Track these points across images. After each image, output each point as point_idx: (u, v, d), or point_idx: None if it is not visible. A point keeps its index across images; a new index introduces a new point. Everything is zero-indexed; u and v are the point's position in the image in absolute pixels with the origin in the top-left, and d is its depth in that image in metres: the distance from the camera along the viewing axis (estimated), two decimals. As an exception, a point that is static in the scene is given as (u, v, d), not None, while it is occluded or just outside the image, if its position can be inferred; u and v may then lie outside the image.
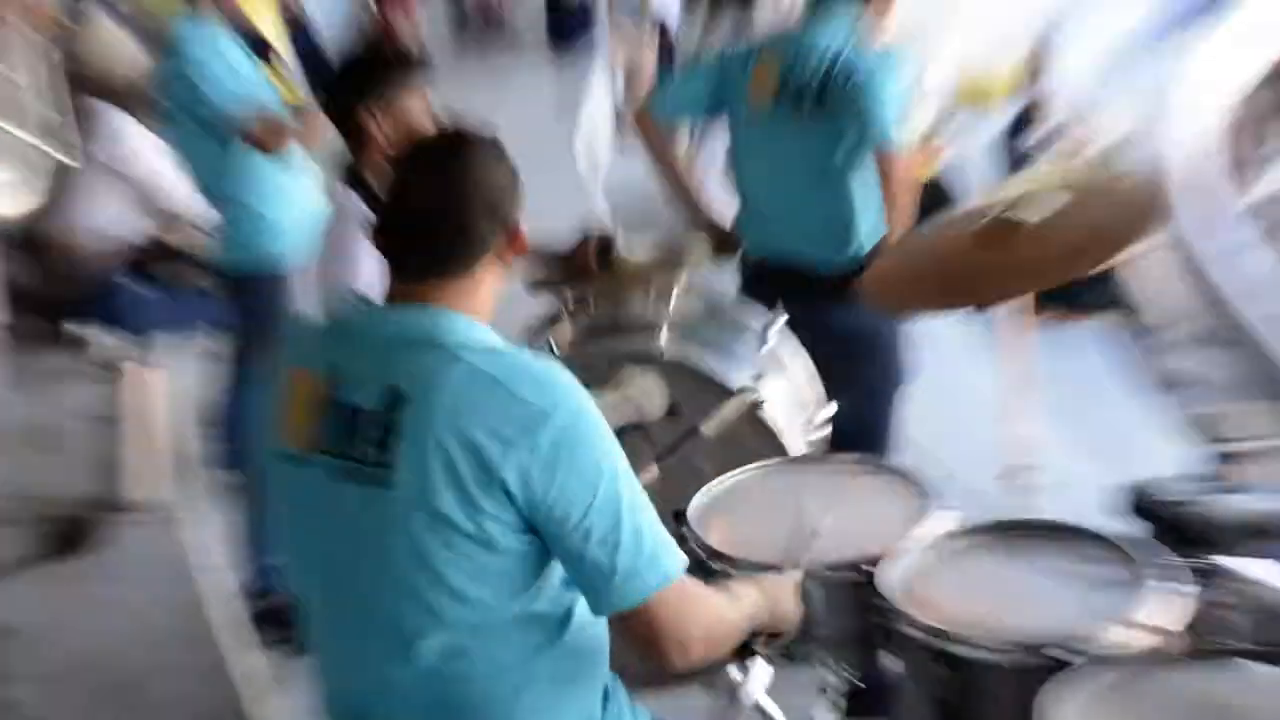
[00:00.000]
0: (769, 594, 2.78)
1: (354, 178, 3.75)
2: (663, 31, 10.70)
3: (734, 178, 4.82)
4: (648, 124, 4.80)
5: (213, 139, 4.87)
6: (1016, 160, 10.89)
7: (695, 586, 2.54)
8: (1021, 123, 11.60)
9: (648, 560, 2.45)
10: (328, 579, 2.53)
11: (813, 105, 4.50)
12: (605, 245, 4.39)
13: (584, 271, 4.22)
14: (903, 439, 4.72)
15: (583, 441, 2.43)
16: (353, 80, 3.77)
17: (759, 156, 4.64)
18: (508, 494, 2.40)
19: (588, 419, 2.46)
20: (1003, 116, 12.31)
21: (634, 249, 4.57)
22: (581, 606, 2.54)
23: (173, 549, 5.01)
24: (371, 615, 2.48)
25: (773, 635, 2.80)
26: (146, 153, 6.08)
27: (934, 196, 10.62)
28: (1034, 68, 12.72)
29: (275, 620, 5.02)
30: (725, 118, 4.73)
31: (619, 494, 2.44)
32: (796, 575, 2.91)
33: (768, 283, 4.61)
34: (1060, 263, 3.48)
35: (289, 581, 2.66)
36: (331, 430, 2.49)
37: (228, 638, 4.57)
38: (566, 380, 2.47)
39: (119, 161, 6.09)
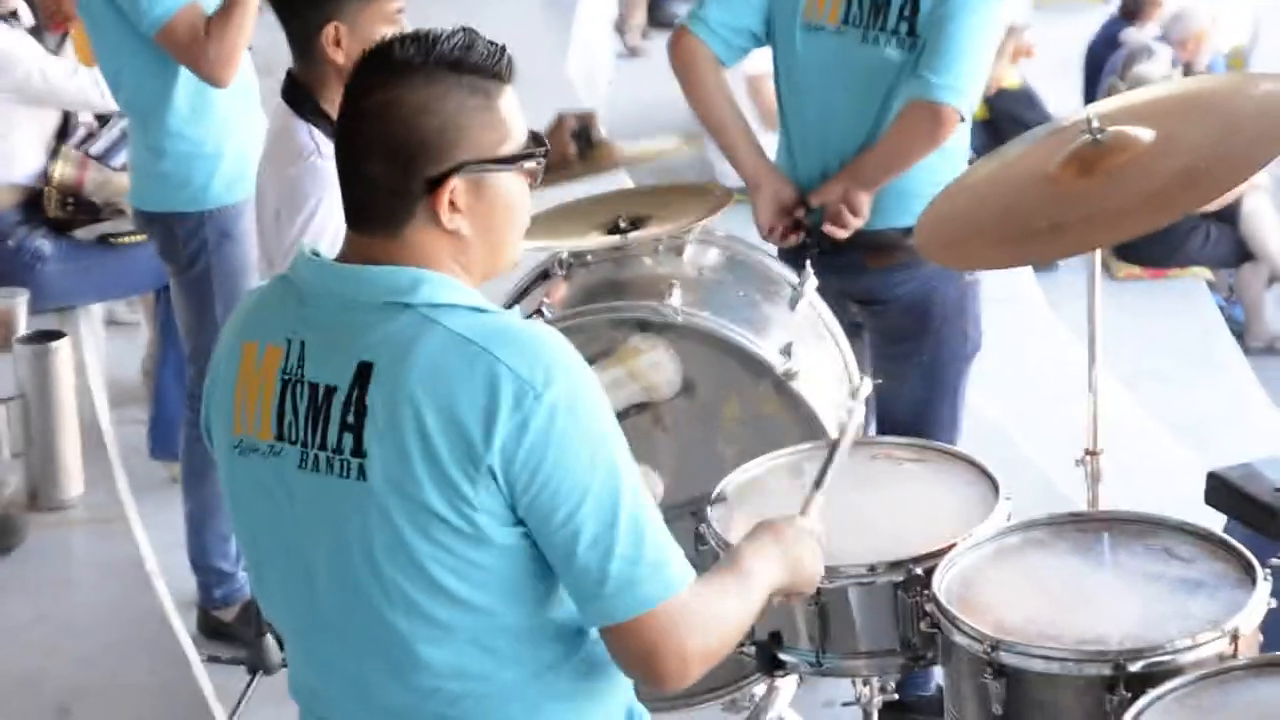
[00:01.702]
0: (788, 554, 2.82)
1: (314, 109, 3.90)
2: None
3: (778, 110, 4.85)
4: (688, 49, 4.73)
5: (133, 39, 4.95)
6: (1114, 67, 11.05)
7: (698, 597, 2.56)
8: (1123, 18, 11.74)
9: (648, 569, 2.49)
10: (305, 589, 2.60)
11: (896, 22, 4.55)
12: (585, 127, 4.50)
13: (560, 159, 4.25)
14: (966, 422, 4.85)
15: (578, 424, 2.47)
16: None
17: (809, 84, 4.70)
18: (495, 481, 2.46)
19: (586, 397, 2.49)
20: (1102, 11, 12.48)
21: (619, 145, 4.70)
22: None
23: (109, 554, 5.14)
24: (359, 628, 2.57)
25: (790, 595, 2.88)
26: (43, 75, 6.19)
27: (1008, 116, 10.81)
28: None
29: (228, 634, 5.24)
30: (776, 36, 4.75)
31: (618, 490, 2.49)
32: (814, 515, 3.00)
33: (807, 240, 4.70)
34: (1165, 199, 3.48)
35: (258, 593, 2.74)
36: (296, 414, 2.56)
37: (176, 654, 4.72)
38: (564, 349, 2.52)
39: (12, 91, 6.20)
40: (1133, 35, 11.44)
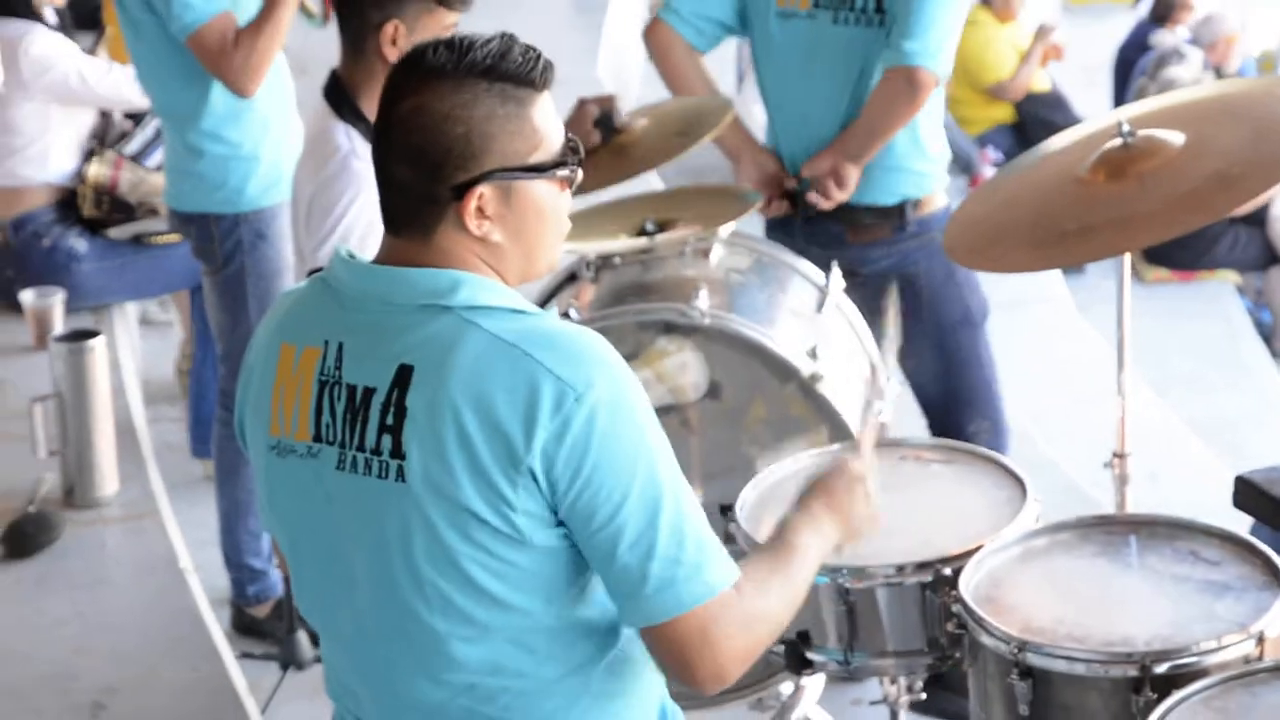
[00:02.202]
0: (841, 515, 2.78)
1: (352, 110, 3.90)
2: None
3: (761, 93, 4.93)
4: (661, 37, 4.87)
5: (169, 41, 4.95)
6: (1144, 69, 11.03)
7: (741, 595, 2.56)
8: (1154, 21, 11.72)
9: (689, 569, 2.49)
10: (343, 589, 2.62)
11: (864, 1, 4.67)
12: (605, 111, 4.52)
13: (583, 143, 4.27)
14: (998, 398, 4.86)
15: (619, 426, 2.47)
16: None
17: (788, 69, 4.79)
18: (535, 482, 2.47)
19: (627, 398, 2.50)
20: (1131, 15, 12.46)
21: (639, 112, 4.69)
22: None
23: (143, 551, 5.16)
24: (396, 628, 2.58)
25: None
26: (80, 76, 6.23)
27: (1037, 119, 10.80)
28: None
29: (261, 630, 5.27)
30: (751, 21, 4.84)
31: (659, 489, 2.49)
32: (868, 459, 2.94)
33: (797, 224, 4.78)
34: (1195, 202, 3.48)
35: (295, 592, 2.75)
36: (334, 416, 2.57)
37: (209, 650, 4.73)
38: (603, 349, 2.53)
39: (50, 92, 6.25)
40: (1163, 38, 11.43)
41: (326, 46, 5.52)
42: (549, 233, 2.63)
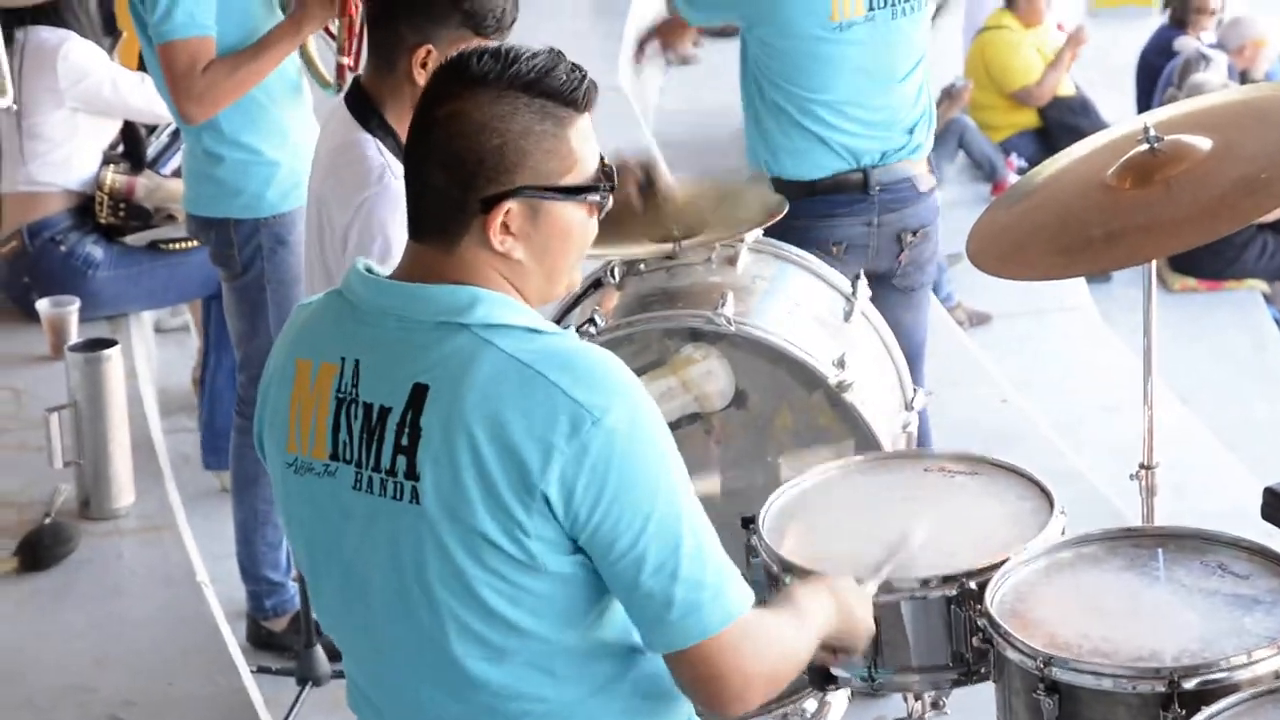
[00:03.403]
0: (842, 605, 2.85)
1: (380, 123, 3.86)
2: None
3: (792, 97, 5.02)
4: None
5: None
6: (1170, 76, 11.00)
7: (760, 621, 2.59)
8: (1174, 25, 11.71)
9: (713, 593, 2.49)
10: (361, 607, 2.62)
11: None
12: (647, 175, 4.50)
13: (622, 206, 4.17)
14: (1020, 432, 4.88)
15: (637, 450, 2.47)
16: (413, 6, 3.82)
17: (854, 78, 4.95)
18: (550, 508, 2.47)
19: (644, 421, 2.49)
20: (1156, 18, 12.44)
21: (682, 182, 4.71)
22: None
23: (160, 563, 5.17)
24: (414, 648, 2.58)
25: (839, 651, 2.91)
26: (114, 86, 6.25)
27: (1062, 124, 10.78)
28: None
29: (278, 644, 5.27)
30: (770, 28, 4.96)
31: (679, 514, 2.50)
32: (872, 588, 3.06)
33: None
34: (1222, 209, 3.47)
35: (315, 606, 2.76)
36: (351, 434, 2.57)
37: (226, 664, 4.74)
38: (621, 372, 2.53)
39: (82, 100, 6.27)
40: (1186, 43, 11.41)
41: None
42: (572, 256, 2.63)
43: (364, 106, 3.89)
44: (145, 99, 6.17)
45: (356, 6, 4.86)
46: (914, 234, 5.08)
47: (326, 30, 4.96)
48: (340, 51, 4.96)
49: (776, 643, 2.61)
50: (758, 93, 5.02)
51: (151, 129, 6.44)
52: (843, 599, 2.86)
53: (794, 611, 2.74)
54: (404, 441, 2.53)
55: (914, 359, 4.74)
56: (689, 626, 2.51)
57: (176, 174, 6.11)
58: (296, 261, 5.11)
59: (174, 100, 4.90)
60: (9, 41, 6.22)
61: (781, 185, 4.87)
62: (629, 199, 4.30)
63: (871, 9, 4.91)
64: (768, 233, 4.43)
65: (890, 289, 4.96)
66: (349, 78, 4.95)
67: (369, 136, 3.83)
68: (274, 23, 4.93)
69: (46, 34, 6.27)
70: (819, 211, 4.95)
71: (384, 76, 3.88)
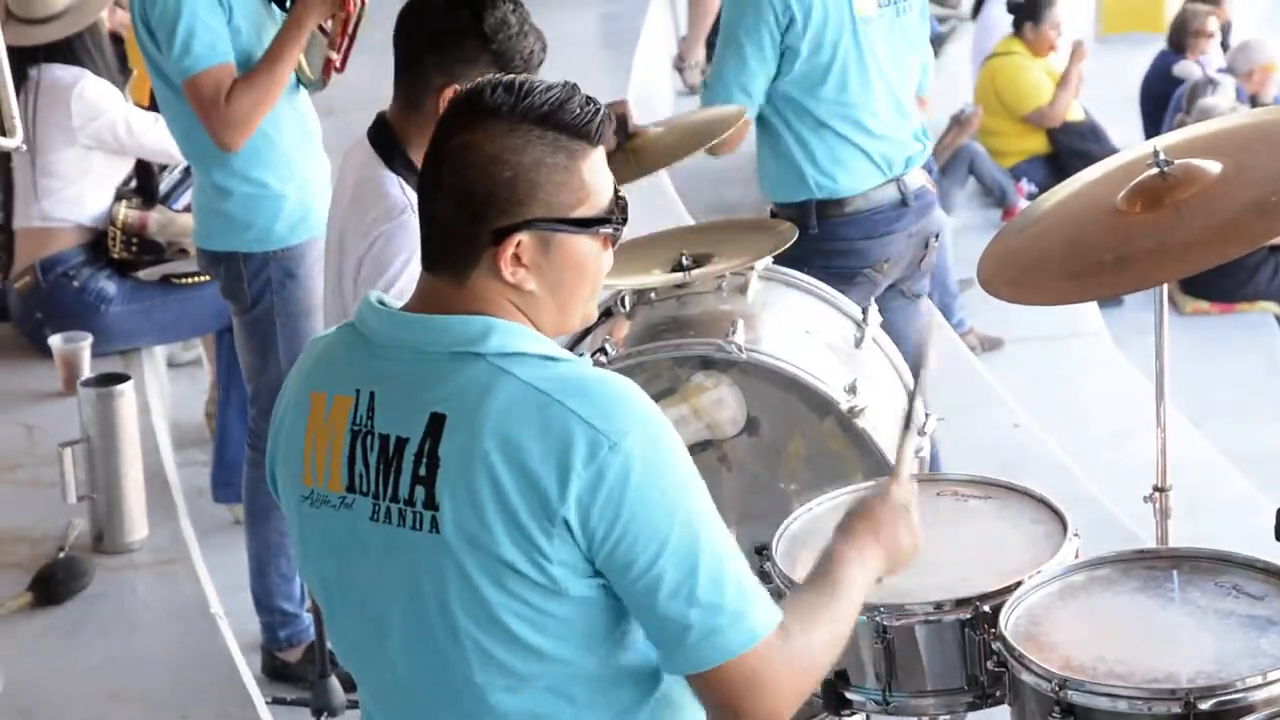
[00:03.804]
0: (886, 544, 2.77)
1: (404, 160, 3.84)
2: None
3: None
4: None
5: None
6: (1180, 102, 11.01)
7: (787, 636, 2.56)
8: (1173, 50, 11.71)
9: (731, 616, 2.49)
10: (379, 639, 2.61)
11: None
12: (621, 117, 4.52)
13: None
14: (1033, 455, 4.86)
15: (654, 474, 2.47)
16: (441, 47, 3.81)
17: (874, 75, 5.01)
18: (570, 533, 2.47)
19: (662, 445, 2.50)
20: (1163, 44, 12.43)
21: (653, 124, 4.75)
22: None
23: (174, 596, 5.18)
24: (434, 679, 2.57)
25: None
26: (127, 126, 6.27)
27: (1071, 149, 10.78)
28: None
29: (292, 675, 5.26)
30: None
31: (696, 537, 2.49)
32: (909, 487, 2.95)
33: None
34: (1233, 232, 3.47)
35: (331, 639, 2.76)
36: (367, 466, 2.57)
37: (241, 696, 4.74)
38: (638, 397, 2.53)
39: (96, 139, 6.28)
40: (1186, 68, 11.42)
41: (353, 89, 5.56)
42: (585, 288, 2.63)
43: (388, 143, 3.87)
44: (158, 139, 6.19)
45: (355, 4, 4.88)
46: (935, 238, 5.17)
47: (321, 29, 4.97)
48: (330, 46, 4.98)
49: (804, 654, 2.58)
50: (792, 119, 5.00)
51: (164, 165, 6.46)
52: (883, 535, 2.79)
53: (829, 589, 2.68)
54: (422, 471, 2.53)
55: (917, 368, 4.74)
56: (707, 650, 2.50)
57: (188, 209, 6.12)
58: (306, 295, 5.12)
59: (210, 131, 4.91)
60: (23, 79, 6.24)
61: (830, 206, 4.92)
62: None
63: (880, 5, 5.00)
64: (783, 260, 4.45)
65: (898, 295, 4.99)
66: (332, 76, 5.02)
67: (392, 174, 3.82)
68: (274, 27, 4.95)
69: (61, 72, 6.30)
70: (873, 231, 4.99)
71: (410, 115, 3.87)
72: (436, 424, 2.52)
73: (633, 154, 4.55)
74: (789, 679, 2.55)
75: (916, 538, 2.85)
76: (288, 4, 4.94)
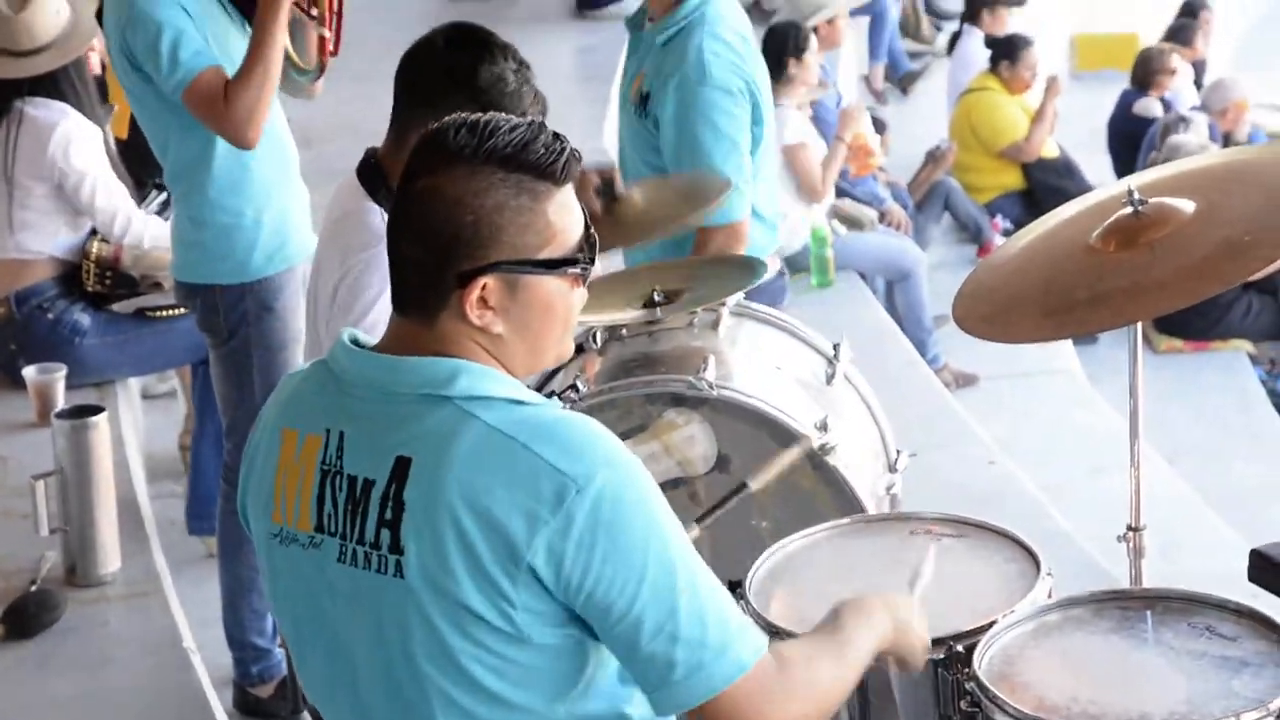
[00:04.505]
0: (897, 619, 2.81)
1: (389, 194, 3.83)
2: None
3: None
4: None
5: (169, 107, 4.91)
6: (1153, 140, 11.03)
7: (782, 666, 2.55)
8: (1136, 87, 11.74)
9: (715, 650, 2.48)
10: (346, 678, 2.60)
11: None
12: (608, 182, 4.54)
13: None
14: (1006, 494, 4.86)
15: (627, 515, 2.45)
16: (433, 92, 3.79)
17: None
18: (538, 580, 2.45)
19: (630, 486, 2.48)
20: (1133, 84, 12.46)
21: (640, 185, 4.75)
22: (645, 701, 2.58)
23: (146, 630, 5.13)
24: None
25: (899, 663, 2.89)
26: (92, 190, 6.23)
27: (1046, 186, 10.79)
28: (1183, 25, 12.84)
29: (265, 711, 5.22)
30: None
31: (673, 574, 2.47)
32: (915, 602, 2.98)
33: None
34: (1206, 270, 3.47)
35: (300, 677, 2.73)
36: (336, 506, 2.56)
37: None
38: (604, 439, 2.51)
39: (61, 186, 6.24)
40: (1149, 104, 11.47)
41: (329, 118, 5.54)
42: (556, 328, 2.60)
43: (374, 177, 3.88)
44: (110, 210, 6.16)
45: None
46: None
47: (304, 9, 4.93)
48: (320, 23, 4.95)
49: (803, 685, 2.58)
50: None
51: (142, 198, 6.42)
52: (895, 612, 2.83)
53: (834, 638, 2.69)
54: (388, 515, 2.51)
55: None
56: (694, 686, 2.49)
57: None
58: (283, 327, 5.09)
59: (222, 134, 4.87)
60: (6, 111, 6.21)
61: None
62: (591, 205, 4.33)
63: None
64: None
65: None
66: (329, 60, 5.01)
67: (374, 206, 3.82)
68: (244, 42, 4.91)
69: (43, 110, 6.23)
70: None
71: (398, 153, 3.85)
72: (402, 467, 2.50)
73: (619, 219, 4.52)
74: (785, 706, 2.54)
75: (926, 642, 2.89)
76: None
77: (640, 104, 5.00)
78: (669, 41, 4.92)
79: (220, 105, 4.80)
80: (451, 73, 3.80)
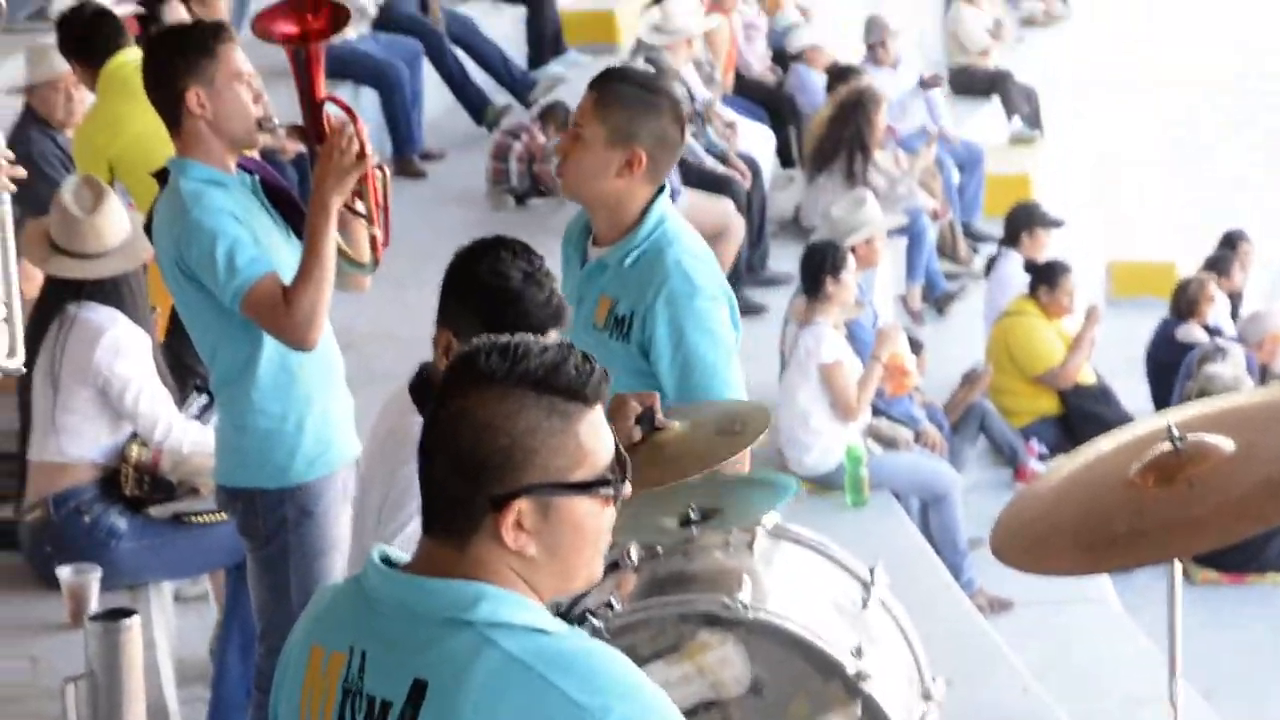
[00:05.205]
0: None
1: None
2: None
3: None
4: None
5: (218, 313, 4.94)
6: (1190, 369, 11.02)
7: None
8: (1176, 316, 11.75)
9: None
10: None
11: None
12: (648, 412, 4.53)
13: (621, 440, 4.28)
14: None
15: None
16: (444, 296, 3.91)
17: None
18: None
19: (650, 718, 2.48)
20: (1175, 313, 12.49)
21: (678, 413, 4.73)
22: None
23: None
24: None
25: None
26: (135, 398, 6.26)
27: (1083, 413, 10.77)
28: (1221, 256, 12.88)
29: None
30: None
31: None
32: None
33: None
34: (1246, 509, 3.46)
35: None
36: None
37: None
38: (624, 671, 2.49)
39: (103, 392, 6.27)
40: (1190, 331, 11.48)
41: (370, 322, 5.57)
42: (587, 549, 2.58)
43: (425, 391, 3.92)
44: (152, 417, 6.21)
45: (375, 175, 4.90)
46: None
47: (351, 208, 4.97)
48: (369, 221, 4.99)
49: None
50: None
51: (182, 401, 6.44)
52: None
53: None
54: None
55: None
56: None
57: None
58: (322, 534, 5.07)
59: (284, 339, 4.89)
60: (61, 312, 6.25)
61: None
62: (629, 432, 4.29)
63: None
64: None
65: None
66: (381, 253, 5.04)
67: (421, 420, 3.84)
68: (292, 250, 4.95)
69: (94, 314, 6.27)
70: None
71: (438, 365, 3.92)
72: (418, 691, 2.48)
73: (657, 449, 4.48)
74: None
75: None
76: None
77: (616, 327, 4.99)
78: (636, 262, 4.90)
79: (280, 309, 4.83)
80: (455, 280, 3.88)
